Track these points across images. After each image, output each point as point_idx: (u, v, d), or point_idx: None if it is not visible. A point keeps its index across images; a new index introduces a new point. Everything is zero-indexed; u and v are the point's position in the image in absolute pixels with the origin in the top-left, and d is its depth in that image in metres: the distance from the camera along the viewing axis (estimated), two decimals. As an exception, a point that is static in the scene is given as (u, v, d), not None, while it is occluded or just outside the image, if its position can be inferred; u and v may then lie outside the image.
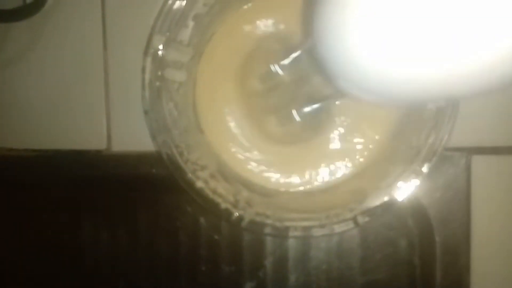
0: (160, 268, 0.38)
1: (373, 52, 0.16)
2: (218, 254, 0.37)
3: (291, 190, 0.31)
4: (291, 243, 0.36)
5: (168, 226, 0.38)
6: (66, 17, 0.35)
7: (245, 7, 0.31)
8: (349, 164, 0.31)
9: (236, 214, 0.27)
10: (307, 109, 0.30)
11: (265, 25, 0.32)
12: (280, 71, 0.30)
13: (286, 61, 0.29)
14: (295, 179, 0.31)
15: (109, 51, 0.34)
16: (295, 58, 0.29)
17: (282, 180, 0.31)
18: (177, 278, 0.38)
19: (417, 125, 0.28)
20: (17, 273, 0.39)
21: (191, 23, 0.29)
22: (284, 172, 0.32)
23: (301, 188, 0.31)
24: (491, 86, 0.16)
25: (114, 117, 0.35)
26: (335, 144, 0.31)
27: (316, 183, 0.31)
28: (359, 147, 0.31)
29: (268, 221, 0.27)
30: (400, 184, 0.27)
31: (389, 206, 0.27)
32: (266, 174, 0.31)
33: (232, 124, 0.32)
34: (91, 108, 0.35)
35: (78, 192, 0.38)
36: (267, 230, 0.27)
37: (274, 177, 0.31)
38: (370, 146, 0.30)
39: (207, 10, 0.29)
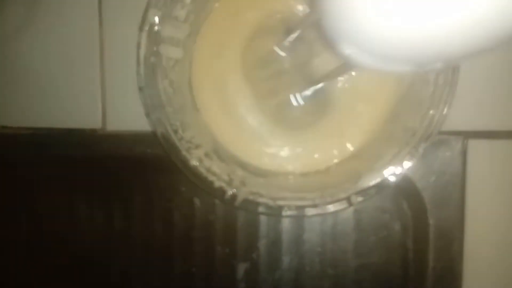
0: (154, 249, 0.38)
1: (376, 5, 0.16)
2: (212, 235, 0.37)
3: (286, 171, 0.31)
4: (285, 225, 0.36)
5: (163, 206, 0.37)
6: (61, -8, 0.34)
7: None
8: (344, 146, 0.30)
9: (230, 192, 0.27)
10: (308, 92, 0.29)
11: (265, 3, 0.31)
12: (281, 53, 0.29)
13: (287, 42, 0.29)
14: (290, 161, 0.31)
15: (104, 27, 0.33)
16: (296, 39, 0.28)
17: (277, 161, 0.31)
18: (171, 259, 0.38)
19: (413, 107, 0.27)
20: (9, 251, 0.39)
21: (188, -1, 0.28)
22: (279, 153, 0.31)
23: (296, 169, 0.31)
24: (489, 42, 0.16)
25: (109, 95, 0.34)
26: (331, 126, 0.31)
27: (311, 164, 0.31)
28: (354, 128, 0.30)
29: (262, 200, 0.27)
30: (394, 165, 0.27)
31: (383, 186, 0.27)
32: (261, 155, 0.31)
33: (228, 104, 0.32)
34: (86, 86, 0.35)
35: (72, 171, 0.38)
36: (261, 209, 0.27)
37: (269, 158, 0.31)
38: (366, 128, 0.30)
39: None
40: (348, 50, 0.19)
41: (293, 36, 0.28)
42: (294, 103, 0.30)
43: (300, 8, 0.30)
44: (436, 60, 0.18)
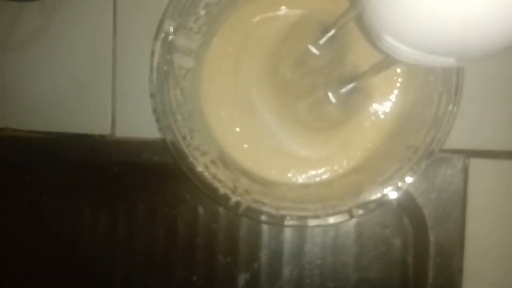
0: (157, 256, 0.38)
1: None
2: (215, 244, 0.37)
3: (290, 182, 0.31)
4: (287, 236, 0.36)
5: (166, 214, 0.38)
6: (77, 1, 0.35)
7: (256, 1, 0.32)
8: (347, 159, 0.31)
9: (234, 199, 0.28)
10: (343, 89, 0.30)
11: (275, 15, 0.32)
12: (316, 51, 0.30)
13: (322, 40, 0.29)
14: (291, 172, 0.32)
15: (118, 35, 0.34)
16: (331, 37, 0.29)
17: (282, 173, 0.32)
18: (172, 266, 0.38)
19: (416, 125, 0.28)
20: (16, 253, 0.40)
21: (202, 11, 0.29)
22: (281, 166, 0.32)
23: (299, 181, 0.31)
24: None
25: (119, 102, 0.35)
26: (334, 140, 0.32)
27: (313, 177, 0.32)
28: (358, 142, 0.31)
29: (265, 209, 0.27)
30: (396, 180, 0.27)
31: (385, 201, 0.27)
32: (264, 166, 0.32)
33: (232, 115, 0.32)
34: (98, 92, 0.35)
35: (79, 176, 0.39)
36: (263, 217, 0.28)
37: (274, 169, 0.32)
38: (368, 145, 0.31)
39: (217, 0, 0.30)
40: (392, 43, 0.19)
41: (329, 34, 0.29)
42: (330, 100, 0.31)
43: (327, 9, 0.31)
44: (478, 50, 0.18)
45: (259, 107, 0.32)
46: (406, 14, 0.17)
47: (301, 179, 0.31)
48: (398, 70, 0.30)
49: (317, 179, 0.31)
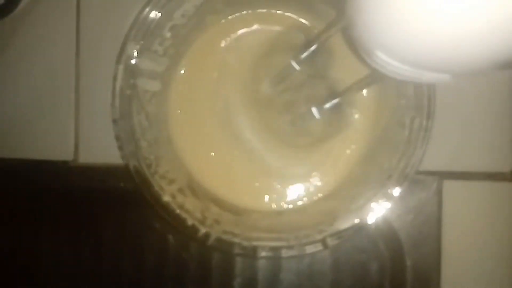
0: (125, 287, 0.36)
1: (418, 8, 0.16)
2: (186, 274, 0.35)
3: (262, 208, 0.30)
4: (261, 264, 0.35)
5: (134, 243, 0.36)
6: (38, 21, 0.34)
7: (223, 21, 0.31)
8: (320, 185, 0.30)
9: (203, 231, 0.26)
10: (327, 105, 0.29)
11: (244, 34, 0.31)
12: (297, 67, 0.29)
13: (304, 55, 0.28)
14: (266, 198, 0.31)
15: (81, 58, 0.33)
16: (313, 52, 0.28)
17: (252, 198, 0.31)
18: (141, 298, 0.36)
19: (389, 149, 0.28)
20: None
21: (167, 34, 0.28)
22: (255, 190, 0.31)
23: (272, 206, 0.30)
24: None
25: (82, 126, 0.34)
26: (304, 165, 0.31)
27: (287, 203, 0.31)
28: (329, 167, 0.30)
29: (236, 240, 0.26)
30: (370, 207, 0.27)
31: (359, 228, 0.27)
32: (237, 192, 0.31)
33: (206, 139, 0.31)
34: (59, 116, 0.34)
35: (39, 204, 0.37)
36: (235, 249, 0.26)
37: (245, 195, 0.31)
38: (341, 167, 0.30)
39: (185, 21, 0.29)
40: (383, 59, 0.18)
41: (312, 49, 0.28)
42: (316, 116, 0.30)
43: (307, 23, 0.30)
44: (474, 66, 0.17)
45: (239, 126, 0.31)
46: (400, 30, 0.17)
47: (274, 205, 0.30)
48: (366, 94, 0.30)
49: (290, 206, 0.30)
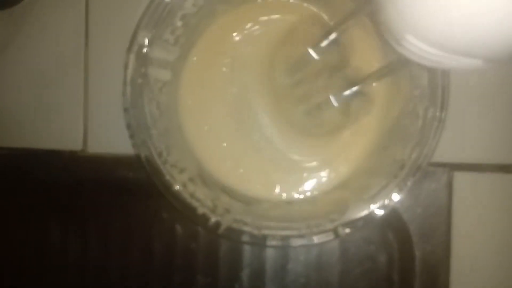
0: (133, 278, 0.36)
1: None
2: (194, 264, 0.35)
3: (273, 198, 0.30)
4: (269, 254, 0.35)
5: (143, 233, 0.36)
6: (48, 10, 0.34)
7: (235, 10, 0.31)
8: (332, 175, 0.30)
9: (214, 219, 0.26)
10: (346, 93, 0.28)
11: (257, 24, 0.31)
12: (315, 56, 0.29)
13: (324, 43, 0.28)
14: (277, 188, 0.31)
15: (90, 47, 0.33)
16: (332, 40, 0.28)
17: (263, 188, 0.31)
18: (149, 288, 0.36)
19: (403, 139, 0.27)
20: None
21: (179, 22, 0.28)
22: (266, 180, 0.31)
23: (283, 196, 0.30)
24: None
25: (92, 116, 0.34)
26: (316, 156, 0.31)
27: (298, 193, 0.30)
28: (342, 158, 0.30)
29: (246, 229, 0.26)
30: (382, 197, 0.27)
31: (371, 218, 0.26)
32: (248, 182, 0.31)
33: (218, 129, 0.31)
34: (68, 105, 0.34)
35: (48, 195, 0.37)
36: (245, 237, 0.26)
37: (256, 185, 0.31)
38: (354, 157, 0.30)
39: (195, 10, 0.29)
40: (414, 43, 0.18)
41: (331, 38, 0.28)
42: (331, 105, 0.29)
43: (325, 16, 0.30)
44: (508, 51, 0.16)
45: (253, 116, 0.31)
46: (434, 11, 0.16)
47: (285, 195, 0.30)
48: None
49: (301, 196, 0.30)
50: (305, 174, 0.30)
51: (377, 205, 0.26)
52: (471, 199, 0.31)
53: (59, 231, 0.37)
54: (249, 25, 0.31)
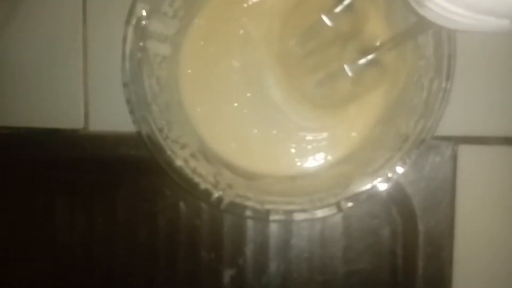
0: (138, 254, 0.37)
1: None
2: (198, 240, 0.36)
3: (275, 173, 0.30)
4: (273, 230, 0.35)
5: (147, 210, 0.36)
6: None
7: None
8: (336, 148, 0.30)
9: (216, 195, 0.26)
10: (362, 61, 0.27)
11: None
12: (329, 22, 0.28)
13: (338, 9, 0.27)
14: (280, 163, 0.30)
15: (88, 22, 0.32)
16: (346, 6, 0.27)
17: (266, 163, 0.30)
18: (155, 264, 0.37)
19: (407, 112, 0.27)
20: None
21: (177, -6, 0.27)
22: (269, 155, 0.31)
23: (286, 171, 0.30)
24: None
25: (92, 94, 0.33)
26: (321, 128, 0.30)
27: (301, 168, 0.30)
28: (344, 131, 0.30)
29: (249, 203, 0.26)
30: (386, 170, 0.26)
31: (374, 192, 0.26)
32: (250, 157, 0.30)
33: (220, 104, 0.31)
34: (68, 83, 0.33)
35: (52, 173, 0.37)
36: (248, 212, 0.26)
37: (258, 159, 0.30)
38: (355, 133, 0.30)
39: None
40: (440, 4, 0.17)
41: (346, 3, 0.27)
42: (344, 74, 0.28)
43: None
44: None
45: (261, 86, 0.30)
46: None
47: (288, 169, 0.30)
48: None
49: (305, 170, 0.30)
50: (309, 147, 0.30)
51: (380, 178, 0.26)
52: (476, 172, 0.31)
53: (63, 210, 0.37)
54: None
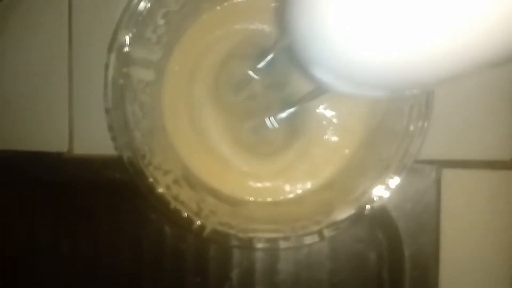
0: (122, 278, 0.36)
1: (348, 34, 0.16)
2: (183, 265, 0.35)
3: (259, 199, 0.30)
4: (259, 254, 0.34)
5: (131, 234, 0.36)
6: (30, 10, 0.33)
7: (218, 8, 0.30)
8: (317, 175, 0.30)
9: (198, 222, 0.26)
10: (283, 115, 0.29)
11: (238, 28, 0.31)
12: (255, 76, 0.29)
13: (261, 65, 0.29)
14: (263, 189, 0.30)
15: (74, 48, 0.32)
16: (270, 61, 0.28)
17: (249, 190, 0.30)
18: (139, 289, 0.36)
19: (387, 138, 0.27)
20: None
21: (160, 21, 0.28)
22: (252, 181, 0.31)
23: (269, 198, 0.30)
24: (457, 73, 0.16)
25: (77, 117, 0.33)
26: (302, 154, 0.30)
27: (284, 194, 0.30)
28: (327, 157, 0.30)
29: (232, 231, 0.26)
30: (368, 197, 0.26)
31: (357, 219, 0.26)
32: (234, 183, 0.30)
33: (202, 129, 0.31)
34: (53, 107, 0.33)
35: (35, 196, 0.36)
36: (231, 241, 0.26)
37: (242, 186, 0.30)
38: (339, 158, 0.30)
39: (178, 8, 0.28)
40: (320, 74, 0.19)
41: (267, 59, 0.28)
42: (269, 126, 0.30)
43: (271, 31, 0.30)
44: (410, 86, 0.18)
45: (209, 128, 0.31)
46: (334, 51, 0.17)
47: (271, 196, 0.30)
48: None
49: (288, 196, 0.29)
50: (287, 177, 0.30)
51: (363, 205, 0.26)
52: (460, 196, 0.31)
53: (48, 233, 0.37)
54: (218, 31, 0.30)
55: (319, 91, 0.26)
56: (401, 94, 0.21)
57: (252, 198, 0.30)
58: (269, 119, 0.30)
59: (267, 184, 0.30)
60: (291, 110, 0.29)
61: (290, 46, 0.20)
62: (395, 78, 0.17)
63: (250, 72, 0.29)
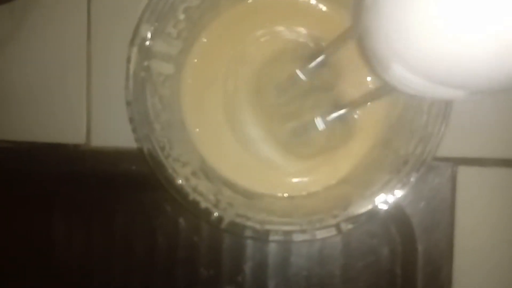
0: (136, 270, 0.37)
1: (441, 21, 0.15)
2: (197, 257, 0.36)
3: (276, 194, 0.30)
4: (272, 248, 0.35)
5: (146, 226, 0.36)
6: (49, 3, 0.33)
7: (239, 6, 0.30)
8: (334, 171, 0.30)
9: (216, 214, 0.26)
10: (332, 116, 0.29)
11: (265, 26, 0.30)
12: (303, 77, 0.29)
13: (311, 66, 0.28)
14: (280, 184, 0.31)
15: (93, 41, 0.33)
16: (320, 62, 0.28)
17: (266, 185, 0.30)
18: (153, 280, 0.36)
19: (406, 135, 0.27)
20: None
21: (181, 16, 0.28)
22: (267, 176, 0.31)
23: (286, 193, 0.30)
24: None
25: (94, 110, 0.33)
26: (323, 150, 0.31)
27: (300, 189, 0.30)
28: (346, 153, 0.30)
29: (249, 223, 0.26)
30: (385, 193, 0.26)
31: (373, 214, 0.26)
32: (249, 176, 0.30)
33: (218, 124, 0.31)
34: (71, 99, 0.34)
35: (53, 188, 0.37)
36: (247, 232, 0.26)
37: (259, 181, 0.31)
38: (357, 153, 0.30)
39: (198, 3, 0.28)
40: (399, 72, 0.18)
41: (319, 60, 0.28)
42: (318, 127, 0.29)
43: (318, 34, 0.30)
44: (489, 85, 0.17)
45: (246, 122, 0.30)
46: (423, 43, 0.16)
47: (286, 191, 0.30)
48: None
49: (303, 192, 0.30)
50: (306, 171, 0.30)
51: (380, 200, 0.26)
52: (475, 193, 0.31)
53: (63, 225, 0.37)
54: (251, 27, 0.30)
55: (380, 92, 0.25)
56: (479, 96, 0.18)
57: (268, 192, 0.30)
58: (317, 120, 0.29)
59: (294, 180, 0.30)
60: (342, 112, 0.28)
61: (362, 42, 0.19)
62: (478, 75, 0.16)
63: (299, 73, 0.29)
